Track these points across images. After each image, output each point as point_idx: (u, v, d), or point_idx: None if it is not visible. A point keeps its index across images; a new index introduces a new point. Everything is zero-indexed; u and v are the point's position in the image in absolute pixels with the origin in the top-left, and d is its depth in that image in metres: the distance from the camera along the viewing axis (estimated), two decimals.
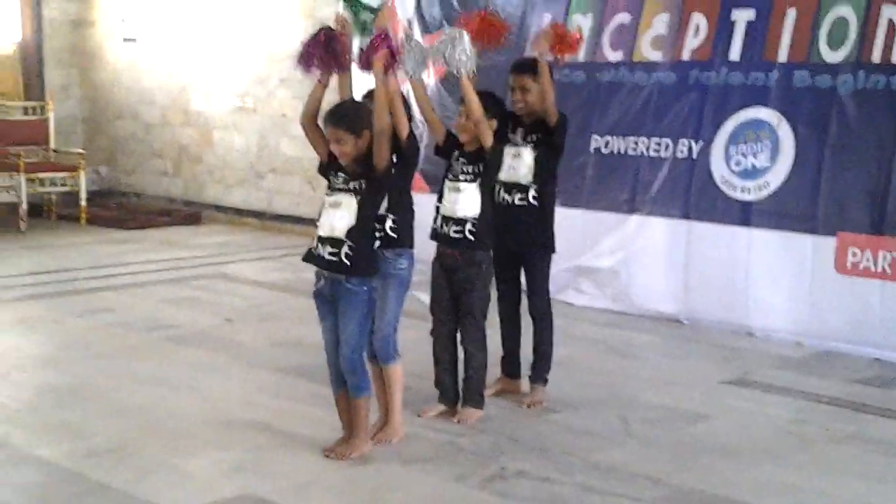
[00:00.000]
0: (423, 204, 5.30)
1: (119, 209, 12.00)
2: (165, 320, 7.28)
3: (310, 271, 4.75)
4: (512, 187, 5.49)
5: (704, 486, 4.57)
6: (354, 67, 4.85)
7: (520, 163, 5.47)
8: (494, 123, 5.19)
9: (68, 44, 12.66)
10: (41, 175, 11.10)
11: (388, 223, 4.84)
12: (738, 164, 7.34)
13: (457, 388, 5.36)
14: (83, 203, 11.30)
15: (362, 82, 4.88)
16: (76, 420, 5.24)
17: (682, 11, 7.76)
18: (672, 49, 7.77)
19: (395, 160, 4.70)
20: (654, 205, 7.67)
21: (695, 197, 7.49)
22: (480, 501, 4.40)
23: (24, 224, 10.69)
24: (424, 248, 5.26)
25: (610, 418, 5.41)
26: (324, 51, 4.72)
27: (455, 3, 8.99)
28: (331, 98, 4.78)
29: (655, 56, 7.87)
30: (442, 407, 5.34)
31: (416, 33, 8.92)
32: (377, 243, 4.77)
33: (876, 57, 6.85)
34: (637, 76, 7.93)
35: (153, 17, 12.03)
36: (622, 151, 7.90)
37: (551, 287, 5.77)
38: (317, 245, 4.64)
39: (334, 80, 4.84)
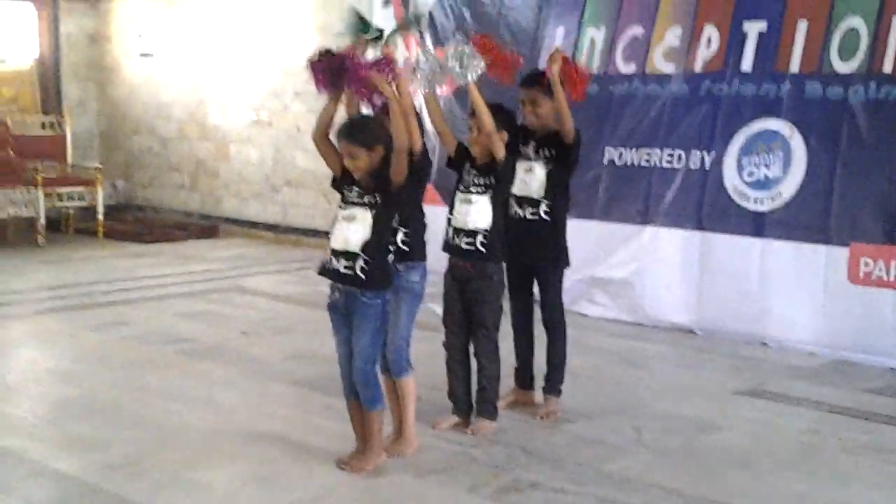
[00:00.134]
0: (438, 216, 5.34)
1: (136, 223, 12.09)
2: (181, 334, 7.32)
3: (324, 284, 4.77)
4: (524, 201, 5.51)
5: (718, 496, 4.58)
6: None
7: (532, 178, 5.49)
8: (505, 136, 5.20)
9: (86, 59, 12.76)
10: (59, 189, 11.20)
11: (400, 236, 4.88)
12: (750, 174, 7.36)
13: (470, 400, 5.38)
14: (100, 217, 11.39)
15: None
16: (93, 433, 5.28)
17: (695, 24, 7.80)
18: (684, 61, 7.79)
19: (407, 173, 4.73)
20: (668, 216, 7.70)
21: (708, 208, 7.52)
22: None
23: (41, 238, 10.77)
24: (438, 260, 5.29)
25: (623, 429, 5.43)
26: (326, 72, 4.72)
27: (468, 17, 9.03)
28: (343, 113, 4.82)
29: (668, 68, 7.91)
30: (455, 418, 5.36)
31: (429, 46, 8.96)
32: (391, 257, 4.80)
33: (887, 67, 6.88)
34: (650, 88, 7.97)
35: (170, 32, 12.12)
36: (635, 163, 7.93)
37: (565, 298, 5.79)
38: (331, 258, 4.66)
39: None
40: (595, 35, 8.32)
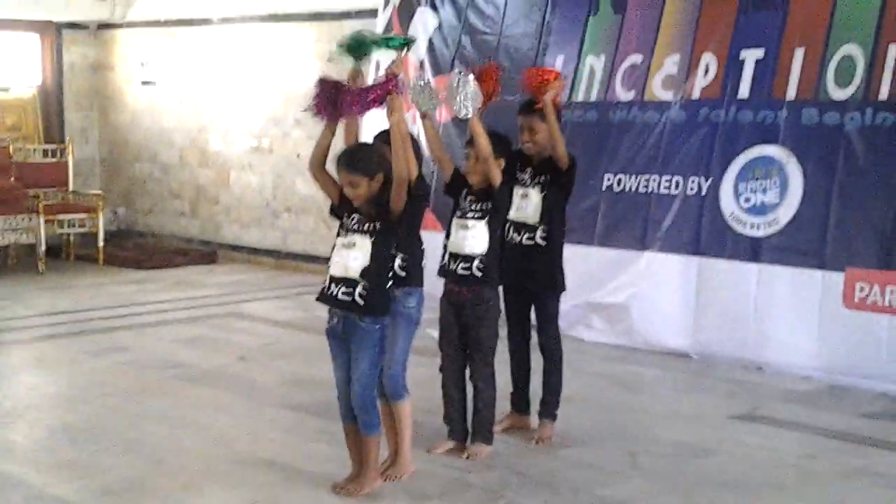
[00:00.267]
0: (436, 241, 5.37)
1: (136, 249, 12.11)
2: (179, 359, 7.34)
3: (323, 310, 4.80)
4: (520, 227, 5.55)
5: None
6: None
7: (528, 203, 5.53)
8: (502, 162, 5.25)
9: (88, 87, 12.84)
10: (60, 216, 11.25)
11: (398, 262, 4.90)
12: (747, 200, 7.40)
13: (466, 425, 5.39)
14: (101, 243, 11.42)
15: (372, 126, 4.94)
16: (91, 459, 5.30)
17: (693, 52, 7.86)
18: (682, 88, 7.85)
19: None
20: (665, 241, 7.73)
21: (705, 233, 7.56)
22: None
23: (42, 265, 10.79)
24: (436, 285, 5.32)
25: (618, 453, 5.44)
26: (324, 100, 4.74)
27: (468, 45, 9.09)
28: (339, 142, 4.85)
29: (666, 95, 7.96)
30: (451, 443, 5.38)
31: (428, 74, 9.03)
32: (389, 283, 4.83)
33: (883, 94, 6.94)
34: (648, 115, 8.03)
35: (171, 60, 12.20)
36: (634, 189, 7.97)
37: (562, 323, 5.82)
38: (329, 285, 4.68)
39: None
40: (594, 63, 8.38)
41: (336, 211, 4.79)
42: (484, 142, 5.10)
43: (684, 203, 7.68)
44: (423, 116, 5.29)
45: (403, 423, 5.03)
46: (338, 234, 4.74)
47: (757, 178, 7.38)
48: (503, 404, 5.64)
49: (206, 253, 11.82)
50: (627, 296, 7.81)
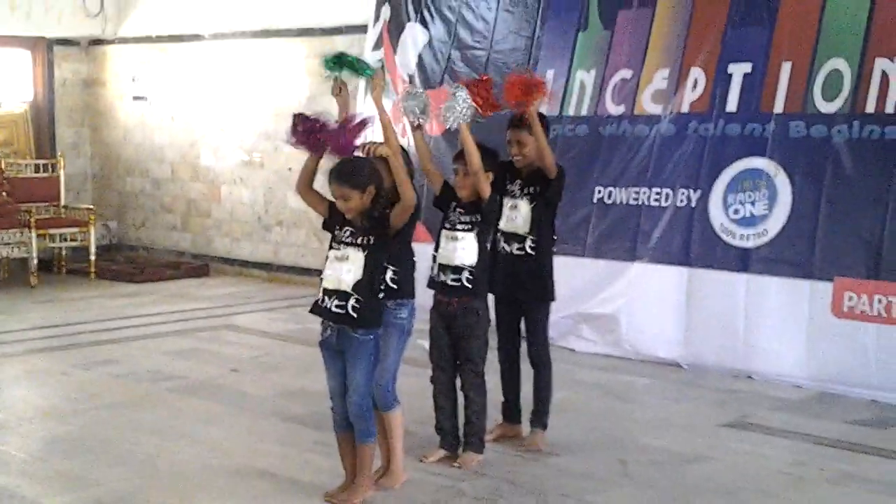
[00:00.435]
0: (427, 253, 5.41)
1: (128, 263, 12.12)
2: (171, 371, 7.36)
3: (315, 321, 4.82)
4: (511, 237, 5.61)
5: None
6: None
7: (517, 214, 5.59)
8: (491, 175, 5.30)
9: (79, 103, 12.87)
10: (52, 230, 11.27)
11: (389, 274, 4.92)
12: (736, 212, 7.46)
13: (457, 434, 5.43)
14: (92, 257, 11.44)
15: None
16: (84, 470, 5.31)
17: (682, 66, 7.93)
18: (672, 102, 7.91)
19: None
20: (655, 252, 7.79)
21: (695, 244, 7.62)
22: None
23: (34, 279, 10.81)
24: (427, 296, 5.35)
25: (609, 461, 5.47)
26: (302, 136, 4.77)
27: (458, 61, 9.15)
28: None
29: (656, 109, 8.02)
30: (443, 452, 5.41)
31: (417, 84, 9.07)
32: (381, 294, 4.86)
33: (870, 107, 7.02)
34: (638, 129, 8.09)
35: (163, 76, 12.24)
36: (624, 201, 8.03)
37: (553, 333, 5.87)
38: (323, 297, 4.71)
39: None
40: (585, 78, 8.44)
41: (328, 224, 4.82)
42: (476, 158, 5.14)
43: (674, 215, 7.74)
44: (415, 129, 5.34)
45: (395, 433, 5.06)
46: (330, 247, 4.77)
47: (745, 190, 7.45)
48: (494, 414, 5.67)
49: (197, 266, 11.83)
50: (618, 306, 7.86)
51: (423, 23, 9.43)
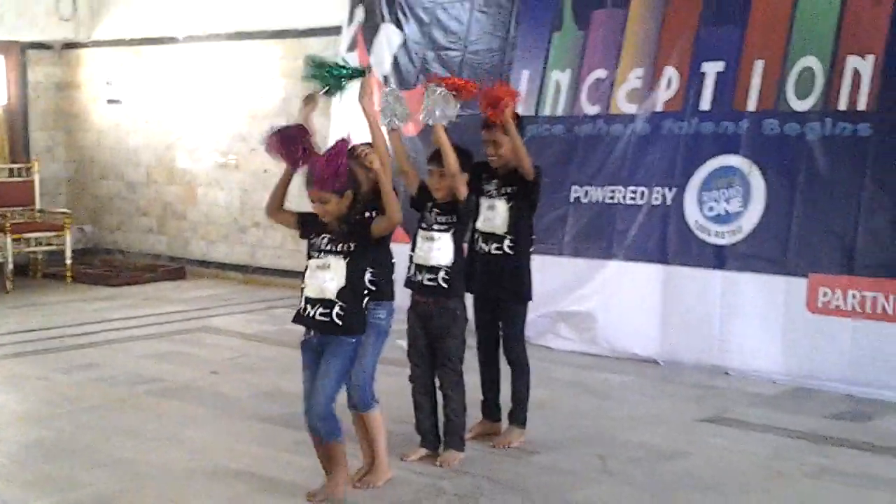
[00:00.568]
0: (404, 253, 5.43)
1: (104, 267, 12.08)
2: (150, 374, 7.35)
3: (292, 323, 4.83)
4: (489, 237, 5.64)
5: None
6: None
7: (494, 214, 5.62)
8: (466, 176, 5.32)
9: (53, 106, 12.82)
10: (27, 235, 11.23)
11: (368, 276, 4.93)
12: (711, 209, 7.52)
13: (437, 432, 5.45)
14: (68, 261, 11.40)
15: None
16: (64, 474, 5.31)
17: (655, 66, 7.98)
18: (646, 101, 7.96)
19: (374, 215, 4.82)
20: (631, 250, 7.84)
21: (670, 242, 7.67)
22: None
23: (9, 283, 10.76)
24: (404, 296, 5.38)
25: (588, 458, 5.51)
26: (281, 148, 4.76)
27: (432, 61, 9.16)
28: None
29: (630, 109, 8.07)
30: (424, 451, 5.44)
31: (393, 85, 9.07)
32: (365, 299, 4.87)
33: (842, 105, 7.09)
34: (614, 128, 8.13)
35: (137, 79, 12.21)
36: (600, 200, 8.07)
37: (531, 332, 5.90)
38: (305, 306, 4.71)
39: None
40: (560, 78, 8.48)
41: (305, 232, 4.81)
42: (452, 160, 5.16)
43: (649, 213, 7.80)
44: (391, 130, 5.35)
45: (376, 432, 5.08)
46: (309, 256, 4.76)
47: (720, 188, 7.51)
48: (474, 412, 5.70)
49: (174, 269, 11.81)
50: (594, 304, 7.91)
51: (398, 24, 9.45)
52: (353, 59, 9.51)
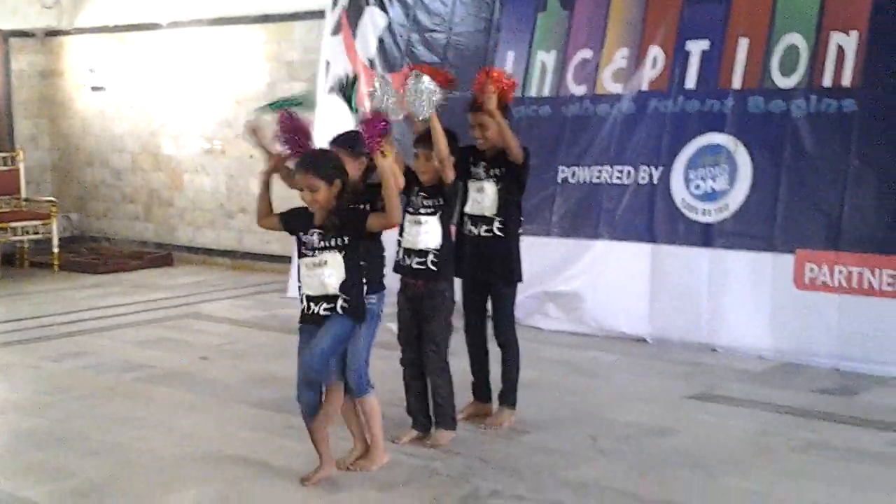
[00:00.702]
0: (393, 238, 5.43)
1: (91, 254, 12.07)
2: (140, 361, 7.35)
3: (281, 307, 4.87)
4: (478, 219, 5.65)
5: (673, 497, 4.71)
6: None
7: (483, 196, 5.63)
8: (453, 160, 5.33)
9: (37, 94, 12.78)
10: (13, 224, 11.21)
11: None
12: (697, 187, 7.55)
13: (428, 414, 5.47)
14: (55, 250, 11.39)
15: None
16: (58, 461, 5.31)
17: (641, 45, 7.98)
18: (632, 81, 7.97)
19: (368, 208, 4.84)
20: (619, 229, 7.87)
21: (657, 221, 7.70)
22: None
23: None
24: (394, 279, 5.39)
25: (579, 436, 5.54)
26: (293, 131, 4.80)
27: (417, 44, 9.15)
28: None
29: (617, 88, 8.09)
30: (415, 433, 5.46)
31: (385, 75, 9.04)
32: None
33: (827, 81, 7.12)
34: (600, 108, 8.15)
35: (121, 66, 12.17)
36: (588, 180, 8.09)
37: (520, 313, 5.91)
38: (308, 304, 4.72)
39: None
40: (546, 59, 8.49)
41: (293, 230, 4.80)
42: (444, 146, 5.14)
43: (636, 192, 7.82)
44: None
45: (372, 417, 5.08)
46: (301, 255, 4.76)
47: (706, 166, 7.54)
48: (465, 393, 5.73)
49: (161, 256, 11.81)
50: (582, 284, 7.94)
51: (382, 6, 9.43)
52: (338, 43, 9.50)
